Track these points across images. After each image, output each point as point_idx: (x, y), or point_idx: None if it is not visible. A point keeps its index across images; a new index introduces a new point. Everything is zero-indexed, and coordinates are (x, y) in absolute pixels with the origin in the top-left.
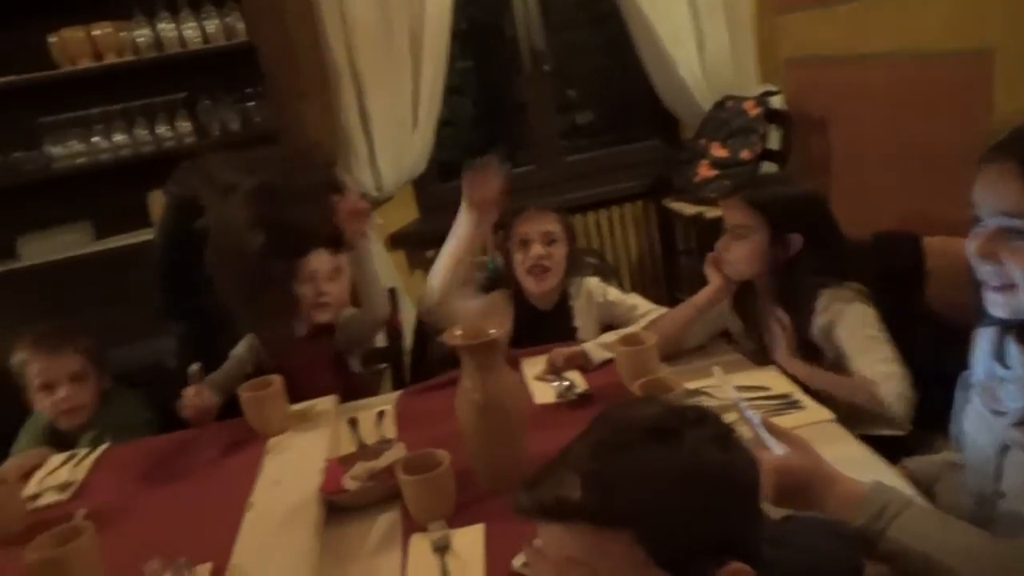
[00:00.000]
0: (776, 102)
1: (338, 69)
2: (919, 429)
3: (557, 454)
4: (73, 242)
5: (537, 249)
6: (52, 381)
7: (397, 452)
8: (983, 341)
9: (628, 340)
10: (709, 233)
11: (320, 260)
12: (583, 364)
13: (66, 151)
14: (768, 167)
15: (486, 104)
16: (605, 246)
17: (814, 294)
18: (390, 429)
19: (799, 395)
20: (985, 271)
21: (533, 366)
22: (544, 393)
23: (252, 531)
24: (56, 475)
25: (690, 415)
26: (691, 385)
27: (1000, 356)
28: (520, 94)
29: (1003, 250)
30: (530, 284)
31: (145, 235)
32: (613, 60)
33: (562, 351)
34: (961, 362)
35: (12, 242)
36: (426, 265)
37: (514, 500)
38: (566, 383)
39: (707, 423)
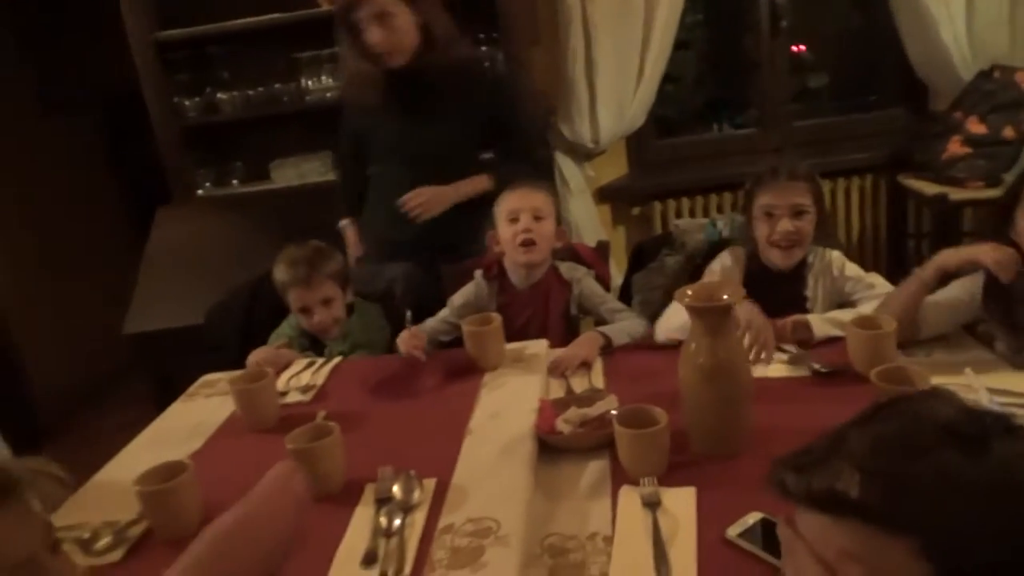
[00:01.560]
0: None
1: (569, 14)
2: None
3: (826, 439)
4: (314, 169)
5: (786, 224)
6: (308, 306)
7: (609, 403)
8: None
9: (863, 322)
10: (950, 217)
11: (520, 198)
12: (805, 337)
13: (318, 85)
14: None
15: (712, 61)
16: (827, 219)
17: None
18: (599, 380)
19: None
20: None
21: None
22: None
23: (471, 456)
24: (299, 378)
25: (995, 423)
26: (934, 381)
27: None
28: (750, 51)
29: None
30: (775, 257)
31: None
32: (861, 18)
33: (787, 320)
34: None
35: (266, 166)
36: (630, 221)
37: (774, 476)
38: (801, 354)
39: (1016, 435)
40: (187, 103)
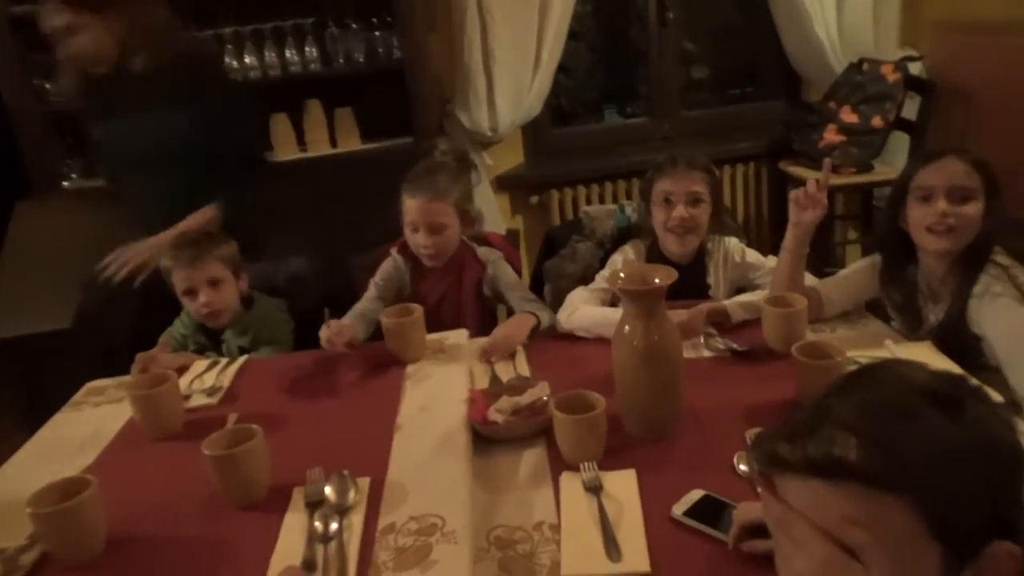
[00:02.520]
0: (917, 68)
1: (466, 2)
2: None
3: (807, 410)
4: None
5: (680, 211)
6: (194, 287)
7: (541, 390)
8: None
9: (776, 302)
10: (827, 202)
11: (419, 210)
12: (721, 322)
13: None
14: (900, 138)
15: (603, 51)
16: None
17: (977, 275)
18: (524, 367)
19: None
20: None
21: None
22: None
23: (404, 452)
24: (203, 379)
25: (966, 386)
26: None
27: None
28: (639, 43)
29: None
30: (671, 243)
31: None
32: (740, 13)
33: (703, 306)
34: None
35: None
36: (529, 210)
37: (763, 448)
38: (718, 338)
39: (984, 397)
40: (49, 86)
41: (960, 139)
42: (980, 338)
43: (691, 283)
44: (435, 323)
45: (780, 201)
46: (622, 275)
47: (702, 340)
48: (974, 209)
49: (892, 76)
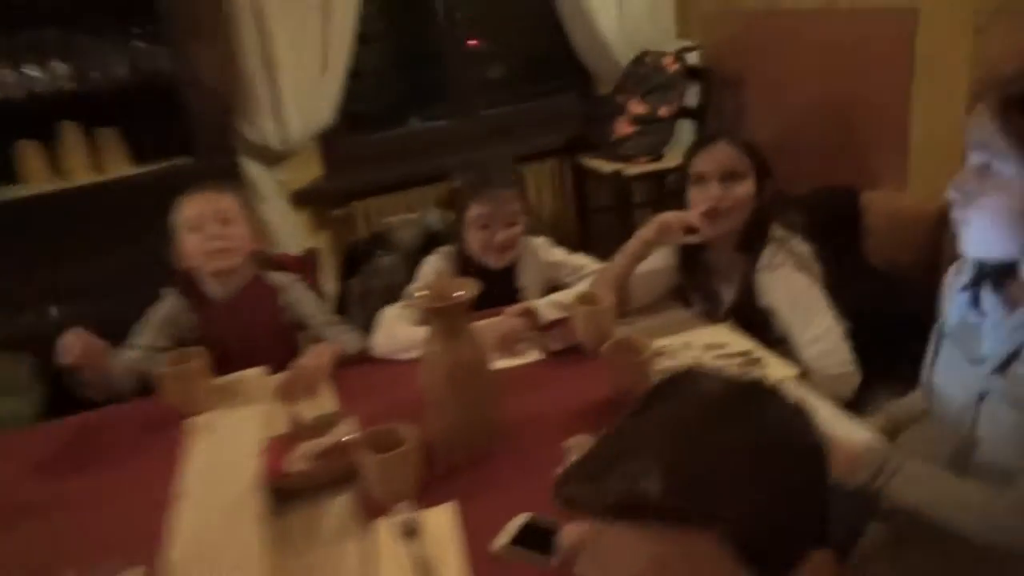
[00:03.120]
0: (695, 58)
1: (238, 6)
2: (864, 384)
3: (608, 439)
4: None
5: (502, 236)
6: None
7: (346, 428)
8: (956, 287)
9: (584, 300)
10: (625, 191)
11: (202, 203)
12: (532, 323)
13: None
14: (686, 125)
15: (397, 55)
16: None
17: (761, 248)
18: (330, 403)
19: (758, 351)
20: None
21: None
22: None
23: (187, 527)
24: None
25: (761, 390)
26: (657, 343)
27: (975, 302)
28: (431, 44)
29: None
30: (491, 260)
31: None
32: (528, 11)
33: (514, 309)
34: (905, 315)
35: None
36: (332, 225)
37: (562, 492)
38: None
39: (780, 399)
40: None
41: (735, 122)
42: (769, 311)
43: (502, 288)
44: (229, 365)
45: (582, 195)
46: (422, 292)
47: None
48: (745, 189)
49: (672, 67)
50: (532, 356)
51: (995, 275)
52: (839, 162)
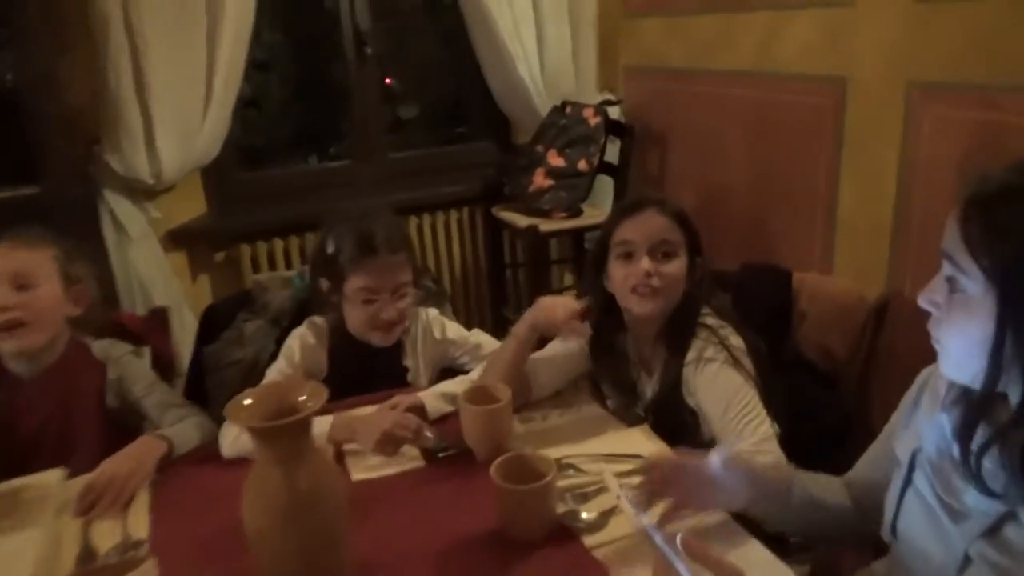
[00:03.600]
0: (617, 112)
1: (107, 18)
2: None
3: None
4: None
5: (389, 312)
6: None
7: (147, 570)
8: (936, 410)
9: (476, 394)
10: (540, 246)
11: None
12: (418, 420)
13: None
14: (605, 181)
15: (299, 86)
16: (428, 254)
17: (689, 339)
18: (140, 523)
19: None
20: None
21: None
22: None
23: None
24: None
25: None
26: (555, 454)
27: (965, 436)
28: (339, 79)
29: None
30: (375, 338)
31: None
32: (446, 51)
33: (399, 400)
34: (838, 414)
35: None
36: (215, 269)
37: None
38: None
39: None
40: None
41: (656, 183)
42: (697, 412)
43: (387, 365)
44: (37, 459)
45: (496, 248)
46: (246, 402)
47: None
48: (678, 267)
49: (593, 119)
50: (411, 461)
51: (983, 406)
52: (762, 237)
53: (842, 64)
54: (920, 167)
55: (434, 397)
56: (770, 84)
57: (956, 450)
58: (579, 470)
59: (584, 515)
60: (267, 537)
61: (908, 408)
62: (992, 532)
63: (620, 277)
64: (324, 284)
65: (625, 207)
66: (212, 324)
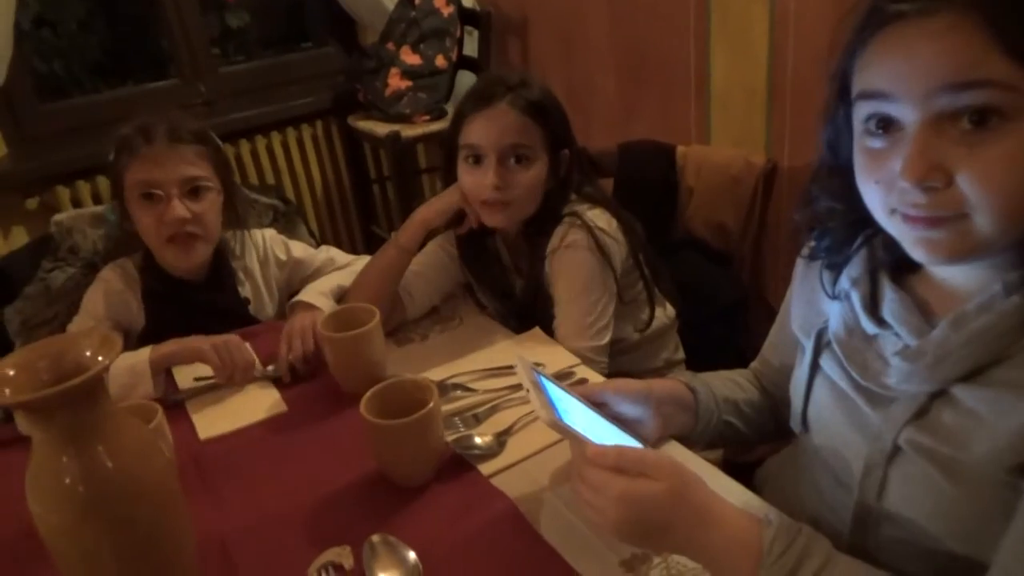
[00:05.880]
0: (470, 0)
1: None
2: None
3: None
4: None
5: (177, 210)
6: None
7: None
8: (835, 284)
9: (340, 318)
10: (406, 155)
11: None
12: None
13: None
14: (468, 76)
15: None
16: (283, 177)
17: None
18: None
19: (584, 370)
20: (910, 199)
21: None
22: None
23: None
24: None
25: None
26: (439, 375)
27: (872, 306)
28: None
29: (960, 160)
30: (171, 256)
31: None
32: None
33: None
34: (731, 291)
35: None
36: (29, 218)
37: None
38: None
39: None
40: None
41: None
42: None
43: (218, 301)
44: None
45: (358, 160)
46: (9, 372)
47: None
48: (533, 174)
49: (446, 10)
50: (271, 408)
51: (893, 266)
52: (637, 115)
53: None
54: (791, 24)
55: (320, 297)
56: None
57: (869, 325)
58: (468, 389)
59: (478, 440)
60: (68, 538)
61: (802, 283)
62: (921, 415)
63: (469, 185)
64: (118, 208)
65: (474, 97)
66: (7, 280)
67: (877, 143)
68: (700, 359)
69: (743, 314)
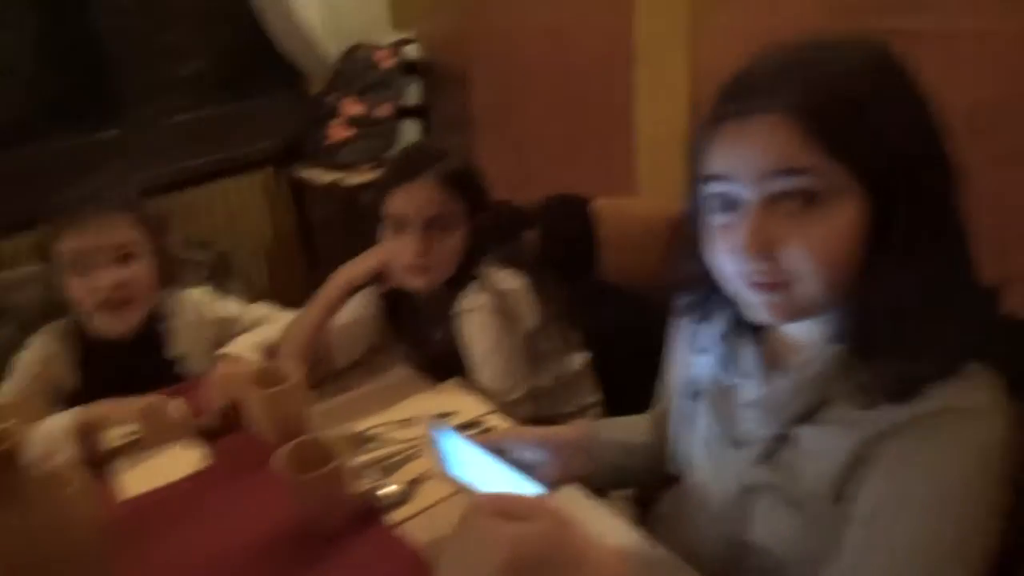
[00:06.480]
0: (413, 52)
1: None
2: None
3: None
4: None
5: (104, 278)
6: None
7: None
8: (702, 339)
9: (263, 378)
10: (349, 204)
11: None
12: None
13: None
14: (409, 125)
15: (47, 46)
16: (228, 227)
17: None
18: None
19: (494, 419)
20: (749, 268)
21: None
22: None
23: None
24: None
25: None
26: (362, 426)
27: (731, 361)
28: (96, 34)
29: (788, 235)
30: (102, 321)
31: None
32: None
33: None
34: (648, 335)
35: None
36: None
37: None
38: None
39: None
40: None
41: (464, 122)
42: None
43: (146, 365)
44: None
45: (303, 209)
46: None
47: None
48: (453, 241)
49: (390, 60)
50: (192, 463)
51: (754, 326)
52: (574, 166)
53: None
54: (712, 77)
55: (246, 350)
56: (564, 7)
57: (729, 378)
58: (383, 440)
59: (390, 488)
60: None
61: (679, 335)
62: (768, 456)
63: (392, 251)
64: (49, 271)
65: (398, 171)
66: None
67: (723, 219)
68: (618, 401)
69: (659, 357)
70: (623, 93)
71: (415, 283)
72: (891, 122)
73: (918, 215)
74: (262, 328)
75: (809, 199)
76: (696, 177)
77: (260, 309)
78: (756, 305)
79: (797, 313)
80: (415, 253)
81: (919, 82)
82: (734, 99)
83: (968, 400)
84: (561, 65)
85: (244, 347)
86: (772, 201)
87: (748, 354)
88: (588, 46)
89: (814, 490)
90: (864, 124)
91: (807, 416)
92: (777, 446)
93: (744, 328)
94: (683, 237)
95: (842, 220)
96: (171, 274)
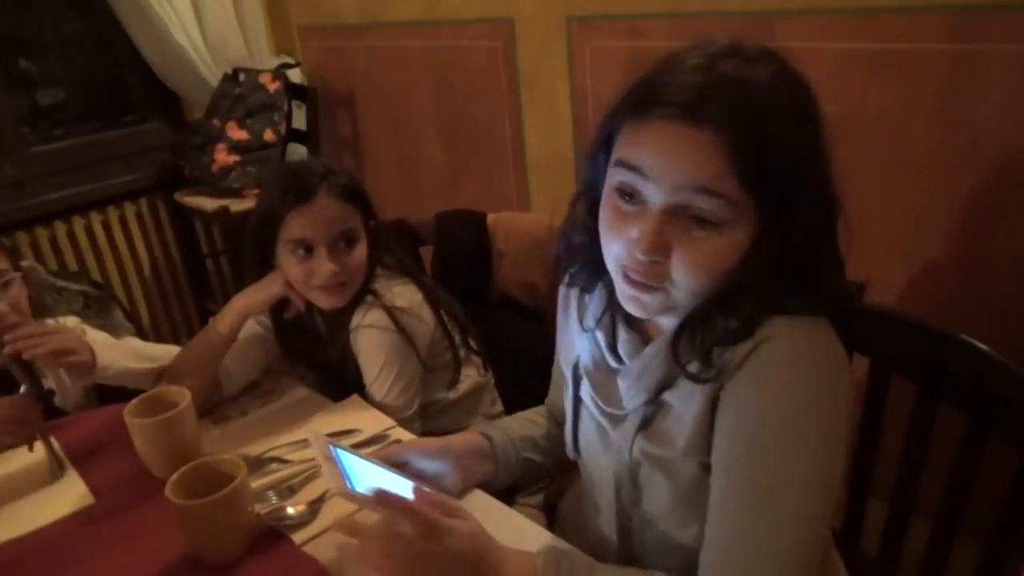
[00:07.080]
0: (296, 75)
1: None
2: None
3: None
4: None
5: None
6: None
7: None
8: (587, 320)
9: (145, 408)
10: (236, 229)
11: None
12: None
13: None
14: (296, 149)
15: None
16: (106, 257)
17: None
18: None
19: (398, 432)
20: (634, 264)
21: None
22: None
23: None
24: None
25: None
26: (258, 449)
27: (612, 344)
28: None
29: (680, 245)
30: None
31: None
32: (84, 23)
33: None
34: (543, 345)
35: None
36: None
37: None
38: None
39: None
40: None
41: (351, 144)
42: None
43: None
44: None
45: (188, 236)
46: None
47: None
48: (360, 252)
49: (272, 85)
50: (75, 502)
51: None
52: (463, 185)
53: (507, 4)
54: (588, 97)
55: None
56: (444, 32)
57: (611, 361)
58: (284, 461)
59: (290, 510)
60: None
61: (563, 313)
62: (646, 426)
63: (300, 274)
64: None
65: (291, 192)
66: None
67: (625, 207)
68: (519, 409)
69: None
70: (509, 115)
71: (330, 302)
72: (798, 155)
73: (798, 242)
74: (143, 345)
75: (709, 220)
76: (600, 151)
77: (132, 342)
78: (626, 297)
79: (661, 313)
80: (332, 273)
81: (817, 102)
82: (657, 98)
83: (802, 339)
84: (445, 87)
85: (102, 347)
86: (676, 208)
87: (626, 340)
88: (471, 68)
89: (683, 453)
90: (776, 158)
91: (671, 381)
92: (651, 414)
93: (619, 307)
94: (575, 200)
95: (730, 244)
96: (44, 303)
